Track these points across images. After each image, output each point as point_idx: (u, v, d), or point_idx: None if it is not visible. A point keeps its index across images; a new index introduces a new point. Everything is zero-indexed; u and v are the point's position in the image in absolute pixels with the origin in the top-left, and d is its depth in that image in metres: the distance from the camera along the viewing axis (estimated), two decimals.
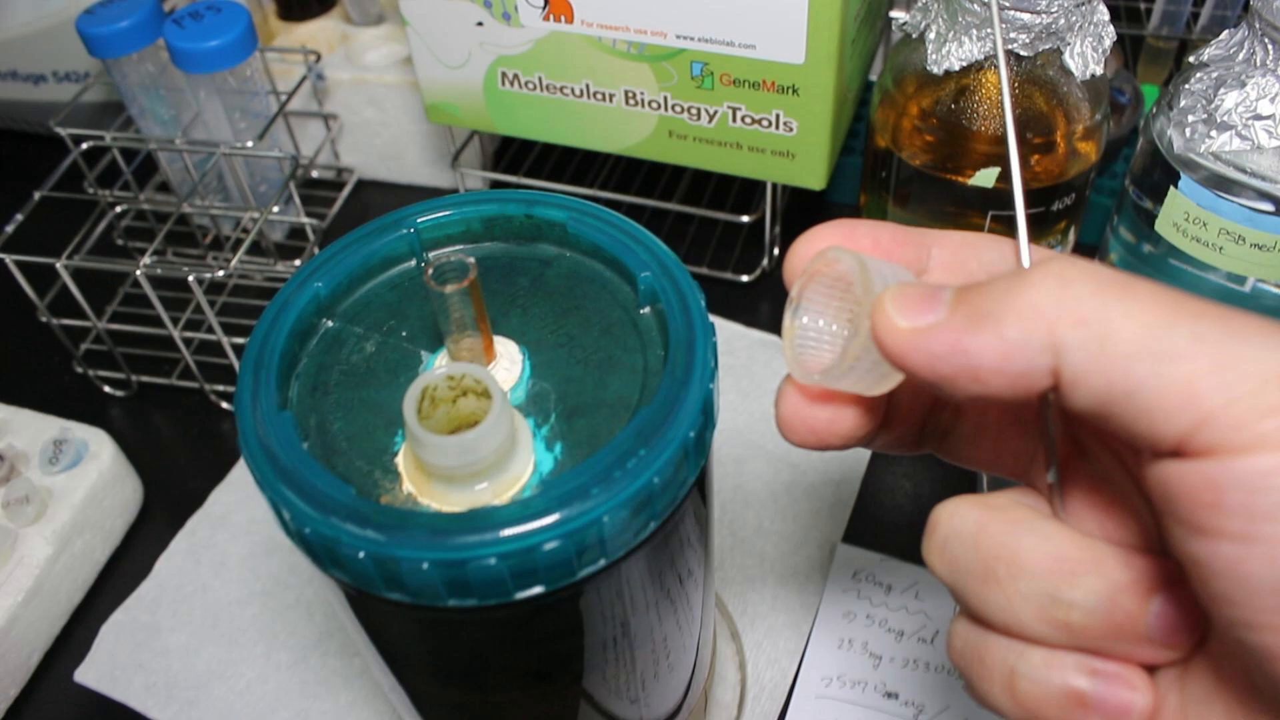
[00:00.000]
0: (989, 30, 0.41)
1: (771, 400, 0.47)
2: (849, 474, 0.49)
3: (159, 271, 0.47)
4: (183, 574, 0.47)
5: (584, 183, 0.59)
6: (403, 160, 0.65)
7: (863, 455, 0.50)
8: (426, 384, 0.24)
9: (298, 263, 0.59)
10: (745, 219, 0.55)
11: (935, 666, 0.43)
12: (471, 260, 0.24)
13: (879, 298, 0.22)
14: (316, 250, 0.57)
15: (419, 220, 0.29)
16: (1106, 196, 0.55)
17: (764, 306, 0.57)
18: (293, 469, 0.24)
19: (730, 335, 0.55)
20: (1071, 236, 0.49)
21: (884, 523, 0.48)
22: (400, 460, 0.25)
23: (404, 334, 0.28)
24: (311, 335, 0.28)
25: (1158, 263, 0.46)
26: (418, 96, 0.59)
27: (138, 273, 0.47)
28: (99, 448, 0.47)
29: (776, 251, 0.57)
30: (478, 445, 0.23)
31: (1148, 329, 0.18)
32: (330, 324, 0.28)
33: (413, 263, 0.29)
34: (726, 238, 0.59)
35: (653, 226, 0.60)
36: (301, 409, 0.26)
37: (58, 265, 0.48)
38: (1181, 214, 0.43)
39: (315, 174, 0.66)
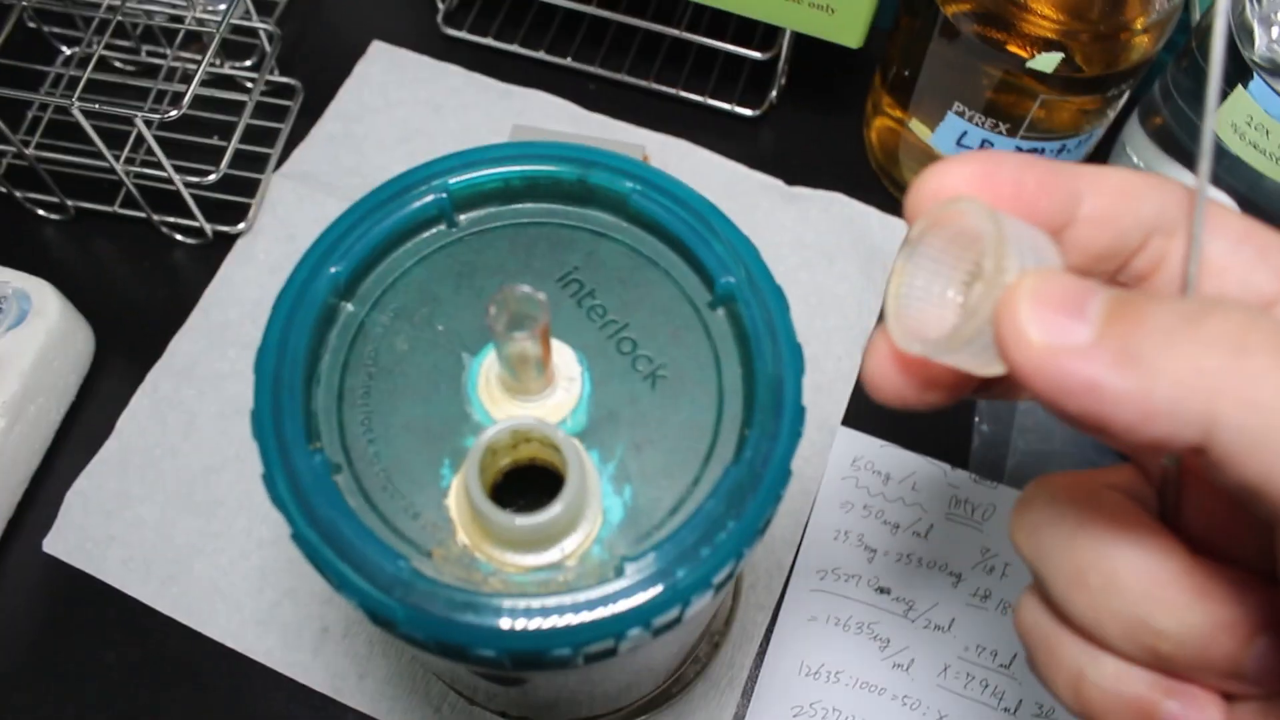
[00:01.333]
0: None
1: (772, 253, 0.43)
2: (851, 348, 0.47)
3: (97, 107, 0.41)
4: (148, 435, 0.45)
5: None
6: None
7: (868, 329, 0.48)
8: (490, 443, 0.21)
9: (249, 63, 0.53)
10: (759, 55, 0.49)
11: (927, 562, 0.43)
12: (542, 300, 0.20)
13: (1013, 287, 0.18)
14: (269, 49, 0.50)
15: (451, 181, 0.25)
16: (1165, 50, 0.50)
17: (766, 141, 0.53)
18: (335, 530, 0.21)
19: (730, 177, 0.51)
20: (1119, 103, 0.45)
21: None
22: (452, 503, 0.22)
23: (440, 327, 0.24)
24: (331, 323, 0.24)
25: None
26: None
27: (74, 109, 0.40)
28: (43, 301, 0.43)
29: (784, 82, 0.52)
30: (552, 524, 0.20)
31: None
32: (351, 308, 0.24)
33: (442, 227, 0.25)
34: (730, 67, 0.53)
35: (649, 48, 0.54)
36: (328, 426, 0.23)
37: None
38: (1244, 116, 0.40)
39: None
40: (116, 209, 0.49)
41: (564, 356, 0.24)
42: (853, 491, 0.44)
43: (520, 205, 0.26)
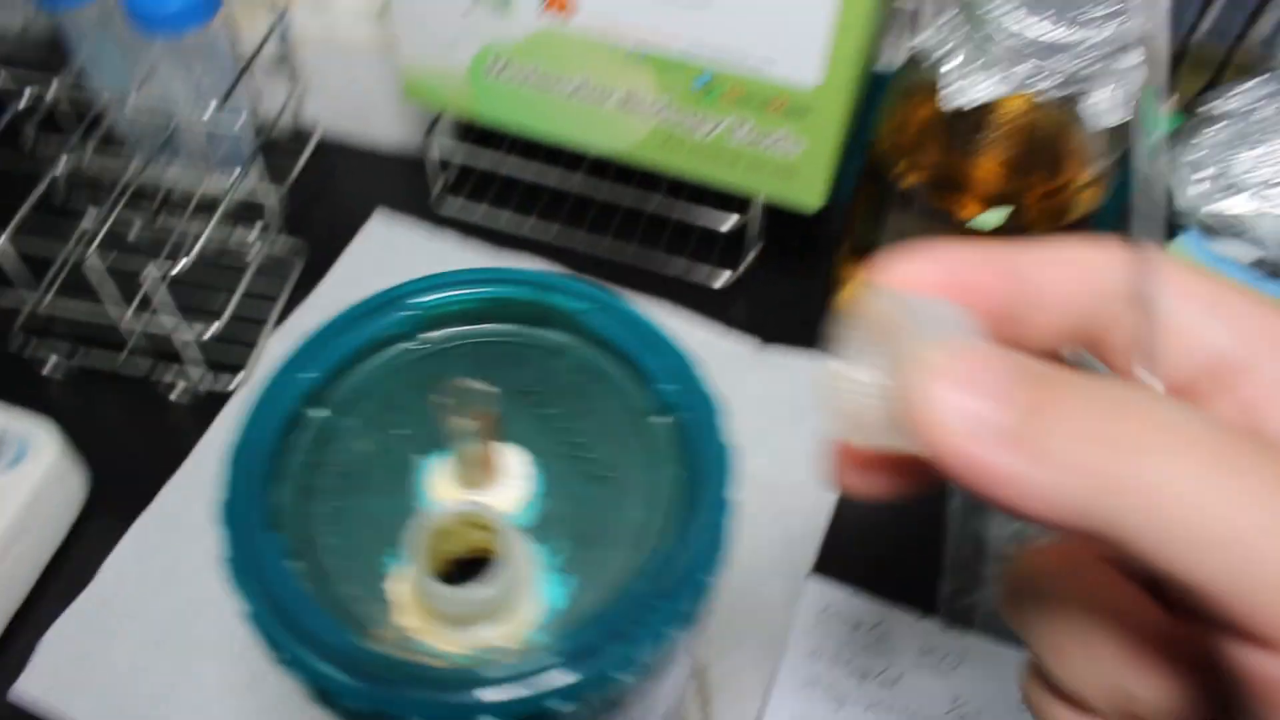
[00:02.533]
0: (1013, 69, 0.39)
1: (741, 418, 0.45)
2: (820, 502, 0.48)
3: (113, 262, 0.44)
4: (130, 580, 0.45)
5: (558, 162, 0.56)
6: (369, 120, 0.61)
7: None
8: (437, 525, 0.22)
9: (255, 232, 0.56)
10: (724, 227, 0.53)
11: (897, 711, 0.43)
12: (495, 393, 0.22)
13: (915, 371, 0.18)
14: (275, 215, 0.54)
15: (415, 301, 0.27)
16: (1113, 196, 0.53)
17: (740, 304, 0.56)
18: (286, 603, 0.22)
19: (699, 342, 0.54)
20: None
21: (855, 554, 0.47)
22: (391, 587, 0.23)
23: (399, 432, 0.26)
24: (298, 425, 0.26)
25: None
26: (390, 54, 0.56)
27: (88, 261, 0.44)
28: (43, 442, 0.45)
29: (758, 248, 0.55)
30: (488, 600, 0.22)
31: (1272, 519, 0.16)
32: (320, 414, 0.26)
33: (408, 344, 0.27)
34: (706, 237, 0.57)
35: (629, 220, 0.58)
36: (291, 518, 0.24)
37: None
38: None
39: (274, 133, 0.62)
40: (118, 370, 0.51)
41: (519, 458, 0.25)
42: (821, 640, 0.45)
43: (482, 326, 0.28)
